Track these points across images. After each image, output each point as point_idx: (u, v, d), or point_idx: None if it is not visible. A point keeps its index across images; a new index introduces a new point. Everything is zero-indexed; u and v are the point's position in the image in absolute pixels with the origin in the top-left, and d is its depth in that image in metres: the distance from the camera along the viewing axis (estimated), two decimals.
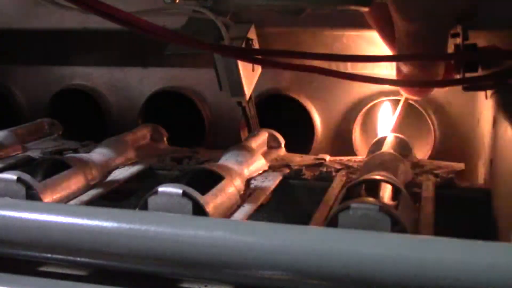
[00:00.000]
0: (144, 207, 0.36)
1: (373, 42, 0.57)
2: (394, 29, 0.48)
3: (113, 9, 0.41)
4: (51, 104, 0.70)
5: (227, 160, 0.46)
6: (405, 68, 0.48)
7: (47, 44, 0.70)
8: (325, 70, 0.47)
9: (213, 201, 0.38)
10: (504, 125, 0.42)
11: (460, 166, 0.50)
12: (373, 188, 0.38)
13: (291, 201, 0.48)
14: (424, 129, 0.61)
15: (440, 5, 0.45)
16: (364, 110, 0.61)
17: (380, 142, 0.52)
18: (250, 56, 0.50)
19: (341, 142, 0.63)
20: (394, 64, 0.52)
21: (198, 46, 0.47)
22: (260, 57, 0.54)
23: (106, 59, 0.68)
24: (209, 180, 0.41)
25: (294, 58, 0.49)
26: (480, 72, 0.48)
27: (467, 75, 0.48)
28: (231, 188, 0.41)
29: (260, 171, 0.48)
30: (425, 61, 0.47)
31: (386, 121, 0.58)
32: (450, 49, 0.49)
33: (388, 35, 0.50)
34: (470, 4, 0.45)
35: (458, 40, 0.49)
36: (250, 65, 0.56)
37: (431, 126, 0.60)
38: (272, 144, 0.55)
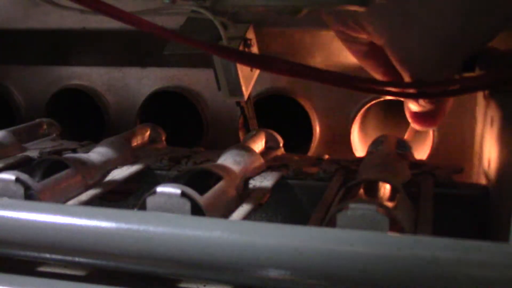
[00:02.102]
0: (143, 207, 0.36)
1: None
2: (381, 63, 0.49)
3: (111, 8, 0.41)
4: (50, 104, 0.70)
5: (226, 160, 0.46)
6: (414, 105, 0.49)
7: (45, 44, 0.70)
8: (323, 78, 0.48)
9: (212, 201, 0.38)
10: (502, 124, 0.42)
11: (458, 166, 0.50)
12: (372, 188, 0.38)
13: (289, 201, 0.48)
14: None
15: (448, 63, 0.45)
16: (363, 110, 0.61)
17: (379, 142, 0.52)
18: (247, 59, 0.50)
19: (339, 142, 0.63)
20: None
21: (197, 46, 0.47)
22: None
23: (105, 59, 0.68)
24: (207, 180, 0.41)
25: (293, 69, 0.49)
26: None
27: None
28: (229, 188, 0.41)
29: (259, 171, 0.48)
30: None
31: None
32: None
33: (376, 67, 0.51)
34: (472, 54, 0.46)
35: None
36: None
37: None
38: (270, 144, 0.55)
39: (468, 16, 0.42)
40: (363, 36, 0.47)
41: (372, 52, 0.49)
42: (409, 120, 0.50)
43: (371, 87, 0.48)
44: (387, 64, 0.48)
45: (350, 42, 0.50)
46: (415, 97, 0.47)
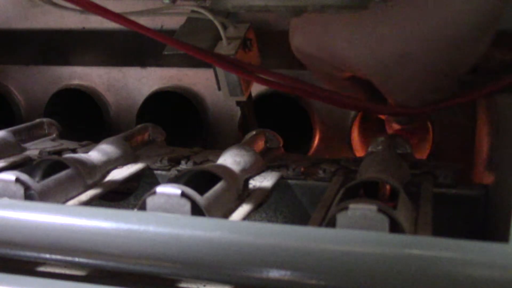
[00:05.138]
0: (143, 207, 0.36)
1: None
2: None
3: (109, 12, 0.42)
4: (50, 104, 0.70)
5: (226, 161, 0.46)
6: (397, 124, 0.52)
7: (45, 44, 0.70)
8: (318, 94, 0.49)
9: (212, 201, 0.38)
10: (502, 125, 0.42)
11: (458, 166, 0.50)
12: (372, 188, 0.38)
13: (289, 201, 0.48)
14: (422, 129, 0.62)
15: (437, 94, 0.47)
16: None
17: (379, 142, 0.52)
18: (241, 69, 0.51)
19: (340, 142, 0.63)
20: None
21: (192, 53, 0.47)
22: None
23: (105, 59, 0.68)
24: (207, 180, 0.41)
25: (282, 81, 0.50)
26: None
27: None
28: (229, 188, 0.41)
29: (259, 171, 0.48)
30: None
31: None
32: None
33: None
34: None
35: None
36: None
37: (429, 126, 0.60)
38: (270, 144, 0.55)
39: (460, 47, 0.43)
40: (347, 74, 0.48)
41: (352, 84, 0.51)
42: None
43: (360, 106, 0.50)
44: (366, 91, 0.50)
45: (331, 80, 0.51)
46: (407, 115, 0.49)
